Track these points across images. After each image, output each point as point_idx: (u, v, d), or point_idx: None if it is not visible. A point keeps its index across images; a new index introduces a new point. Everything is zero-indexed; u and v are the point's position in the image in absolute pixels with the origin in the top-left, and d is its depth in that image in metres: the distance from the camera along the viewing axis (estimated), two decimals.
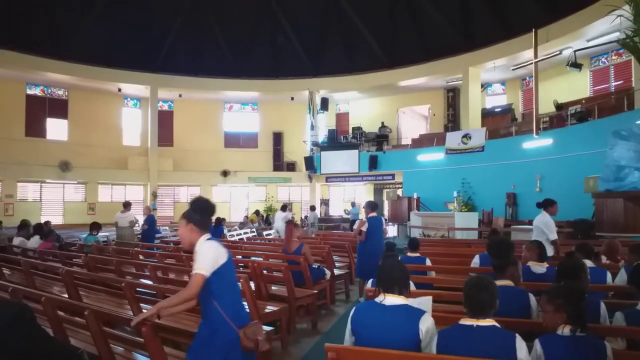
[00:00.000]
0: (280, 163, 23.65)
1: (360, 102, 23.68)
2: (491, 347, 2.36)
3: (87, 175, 20.21)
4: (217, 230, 12.98)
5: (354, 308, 2.85)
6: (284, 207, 15.26)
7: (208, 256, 2.86)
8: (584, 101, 15.27)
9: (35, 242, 8.95)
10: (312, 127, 21.67)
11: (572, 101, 15.54)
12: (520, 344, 2.37)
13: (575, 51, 13.34)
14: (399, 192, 19.94)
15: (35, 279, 6.31)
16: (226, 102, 23.93)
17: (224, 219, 14.08)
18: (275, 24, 21.05)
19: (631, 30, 2.97)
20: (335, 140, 21.70)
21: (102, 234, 12.37)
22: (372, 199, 22.26)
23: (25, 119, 19.50)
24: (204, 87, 21.71)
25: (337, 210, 23.39)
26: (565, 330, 2.54)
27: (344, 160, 20.59)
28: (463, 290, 2.57)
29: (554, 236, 6.32)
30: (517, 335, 2.41)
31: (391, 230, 17.48)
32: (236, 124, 24.23)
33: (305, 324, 6.28)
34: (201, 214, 3.04)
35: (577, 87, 16.71)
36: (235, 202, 23.61)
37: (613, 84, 16.18)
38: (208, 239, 2.97)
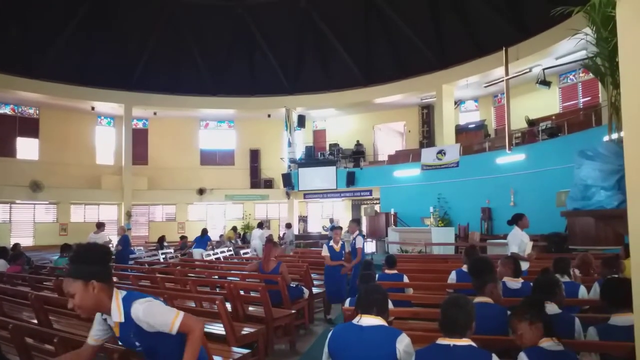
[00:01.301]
0: (257, 180, 23.54)
1: (337, 119, 23.83)
2: None
3: (59, 195, 19.74)
4: (202, 240, 13.10)
5: (331, 330, 2.84)
6: (261, 225, 15.18)
7: (162, 309, 2.40)
8: (554, 117, 15.68)
9: (0, 266, 8.63)
10: (290, 144, 21.68)
11: (543, 117, 15.94)
12: None
13: (544, 69, 13.72)
14: (377, 207, 20.02)
15: (2, 305, 6.09)
16: (202, 119, 23.79)
17: (206, 229, 14.14)
18: (252, 42, 21.12)
19: (593, 53, 3.09)
20: (313, 157, 21.74)
21: None
22: (350, 215, 22.34)
23: None
24: (180, 105, 21.57)
25: (315, 227, 23.32)
26: (548, 343, 2.60)
27: (322, 177, 20.62)
28: (440, 308, 2.58)
29: (512, 249, 6.38)
30: (493, 355, 2.42)
31: (369, 246, 17.49)
32: (212, 141, 24.08)
33: (283, 345, 6.20)
34: (100, 262, 2.43)
35: (548, 103, 17.16)
36: (211, 220, 23.35)
37: (581, 100, 16.67)
38: (131, 299, 2.40)
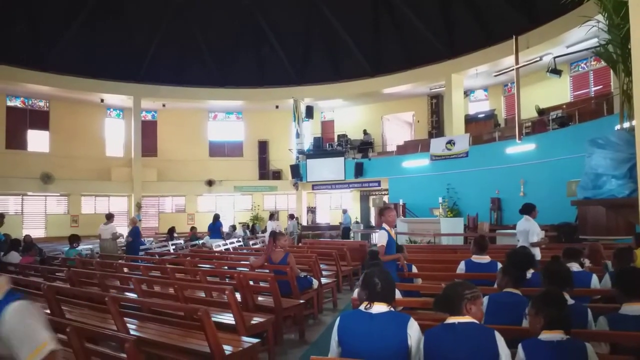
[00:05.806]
0: (266, 171, 23.58)
1: (345, 109, 23.75)
2: (475, 341, 2.50)
3: (70, 187, 19.94)
4: (215, 227, 13.33)
5: (338, 317, 2.84)
6: (272, 216, 15.28)
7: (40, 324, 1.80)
8: (564, 106, 15.51)
9: (12, 257, 8.73)
10: (298, 135, 21.65)
11: (554, 106, 15.76)
12: (499, 338, 2.50)
13: (555, 57, 13.55)
14: (385, 198, 19.98)
15: None
16: (210, 111, 23.83)
17: (218, 215, 14.31)
18: (259, 33, 21.06)
19: (605, 40, 3.02)
20: (321, 148, 21.73)
21: (86, 247, 12.19)
22: (358, 206, 22.34)
23: (5, 131, 19.17)
24: (188, 97, 21.62)
25: (323, 217, 23.34)
26: (545, 335, 2.59)
27: (330, 168, 20.61)
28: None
29: (532, 239, 6.45)
30: (496, 332, 2.54)
31: (377, 237, 17.48)
32: (221, 133, 24.13)
33: (292, 335, 6.23)
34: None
35: (558, 92, 16.95)
36: (220, 211, 23.41)
37: (593, 89, 16.45)
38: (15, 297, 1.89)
